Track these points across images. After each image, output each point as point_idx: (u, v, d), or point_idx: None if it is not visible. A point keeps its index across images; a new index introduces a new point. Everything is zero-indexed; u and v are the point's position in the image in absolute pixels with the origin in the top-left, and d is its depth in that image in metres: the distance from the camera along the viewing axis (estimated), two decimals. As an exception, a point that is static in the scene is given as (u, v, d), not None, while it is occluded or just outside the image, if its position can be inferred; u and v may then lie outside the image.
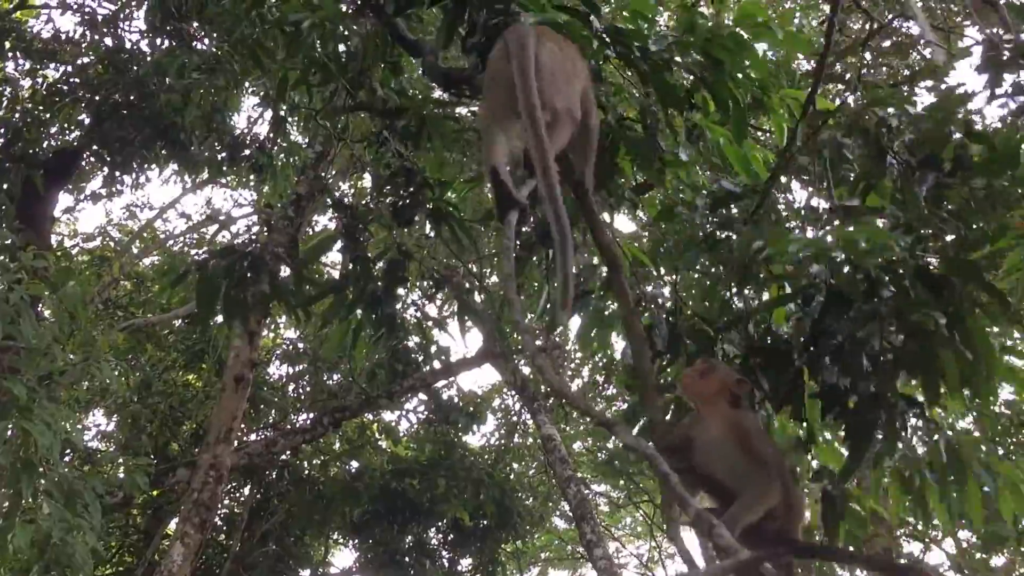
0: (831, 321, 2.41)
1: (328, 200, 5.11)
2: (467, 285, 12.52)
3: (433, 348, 11.76)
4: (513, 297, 2.80)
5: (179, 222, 14.09)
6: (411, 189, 4.82)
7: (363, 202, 4.77)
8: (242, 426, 12.96)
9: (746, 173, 4.58)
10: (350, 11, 4.49)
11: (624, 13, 4.26)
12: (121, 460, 11.71)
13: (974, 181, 2.46)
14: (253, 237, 4.96)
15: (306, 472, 12.99)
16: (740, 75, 4.19)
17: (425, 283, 5.03)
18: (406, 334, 5.01)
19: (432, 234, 4.75)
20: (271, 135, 7.18)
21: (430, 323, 9.01)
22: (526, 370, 12.40)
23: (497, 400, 13.33)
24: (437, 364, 11.96)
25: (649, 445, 2.23)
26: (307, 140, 8.02)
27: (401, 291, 4.90)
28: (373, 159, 4.86)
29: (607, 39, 3.89)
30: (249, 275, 4.99)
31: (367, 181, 9.03)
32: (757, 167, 4.49)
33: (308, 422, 10.74)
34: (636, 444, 2.17)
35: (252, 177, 7.47)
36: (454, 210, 4.71)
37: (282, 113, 6.91)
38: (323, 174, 7.28)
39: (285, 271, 5.13)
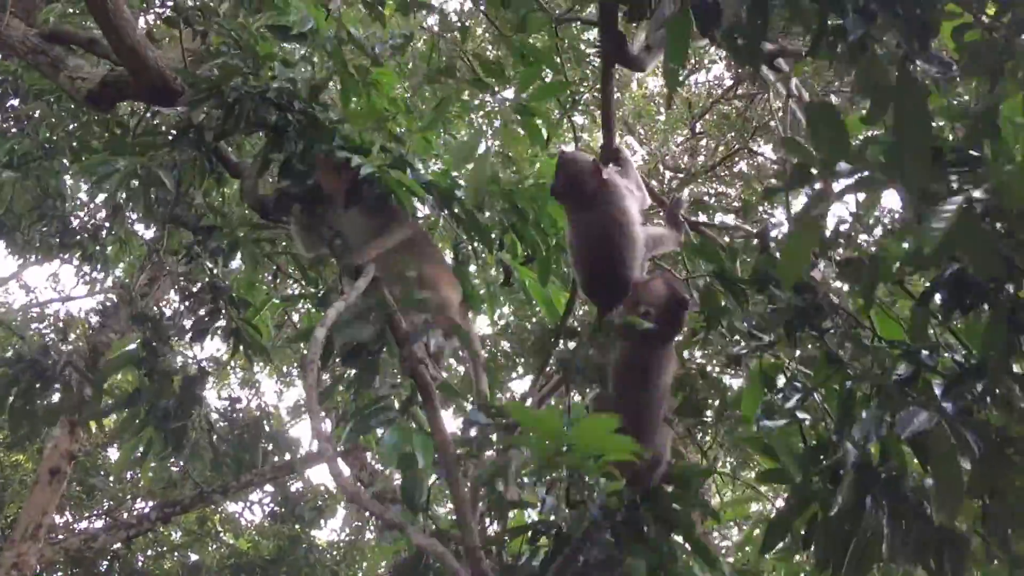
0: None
1: (131, 312, 4.98)
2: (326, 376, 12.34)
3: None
4: (314, 407, 2.80)
5: (19, 294, 13.44)
6: (217, 305, 4.78)
7: (167, 315, 4.69)
8: (70, 514, 12.20)
9: (549, 313, 4.80)
10: (169, 138, 4.47)
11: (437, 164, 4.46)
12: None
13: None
14: (48, 343, 4.77)
15: (139, 563, 12.28)
16: (543, 224, 4.45)
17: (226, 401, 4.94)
18: (211, 448, 4.87)
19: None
20: (106, 223, 7.00)
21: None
22: (378, 465, 12.19)
23: (350, 493, 12.99)
24: (288, 456, 11.67)
25: (438, 544, 2.32)
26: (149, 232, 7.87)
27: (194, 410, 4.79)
28: (182, 274, 4.81)
29: (424, 190, 4.07)
30: (38, 386, 4.80)
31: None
32: (560, 308, 4.69)
33: (135, 516, 10.19)
34: (429, 544, 2.27)
35: (86, 267, 7.22)
36: (254, 331, 4.68)
37: (120, 202, 6.74)
38: (127, 282, 7.13)
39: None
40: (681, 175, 11.29)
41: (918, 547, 2.02)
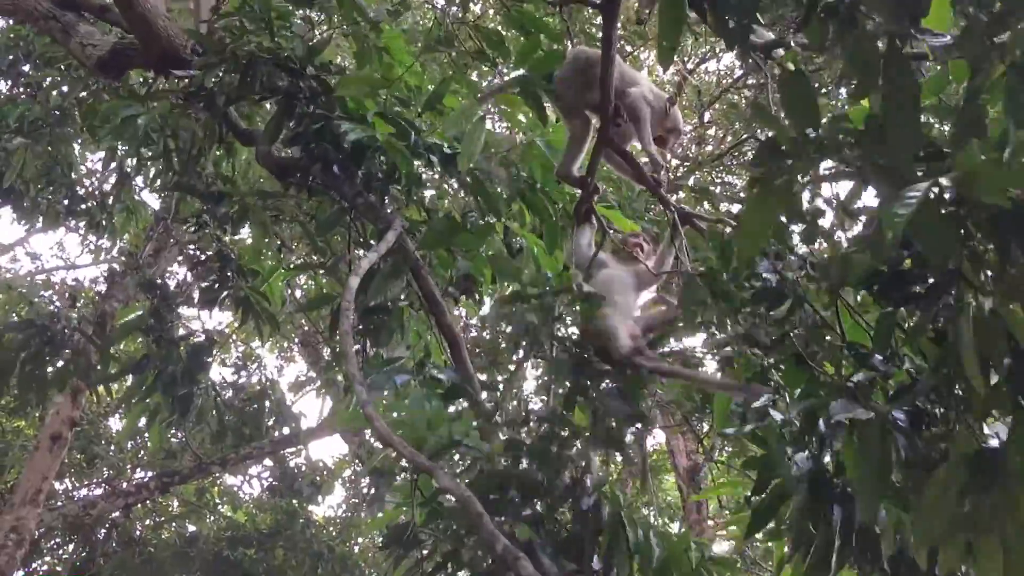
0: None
1: (139, 279, 5.03)
2: (326, 352, 12.39)
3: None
4: (349, 351, 2.91)
5: (25, 261, 13.49)
6: (225, 274, 4.82)
7: (175, 284, 4.74)
8: (70, 481, 12.29)
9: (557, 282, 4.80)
10: (180, 101, 4.48)
11: (440, 130, 4.43)
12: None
13: None
14: (56, 310, 4.83)
15: (137, 532, 12.37)
16: (552, 191, 4.43)
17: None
18: (220, 413, 4.92)
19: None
20: (114, 192, 7.02)
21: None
22: (378, 444, 12.25)
23: (348, 471, 13.06)
24: (287, 430, 11.72)
25: (465, 488, 2.39)
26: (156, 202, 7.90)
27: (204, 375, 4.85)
28: (191, 242, 4.85)
29: (427, 154, 4.07)
30: (47, 350, 4.87)
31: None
32: (568, 278, 4.70)
33: (133, 485, 10.27)
34: (455, 488, 2.34)
35: (92, 234, 7.25)
36: (262, 300, 4.72)
37: (128, 170, 6.75)
38: (134, 251, 7.16)
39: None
40: (688, 163, 11.29)
41: (864, 555, 2.07)
